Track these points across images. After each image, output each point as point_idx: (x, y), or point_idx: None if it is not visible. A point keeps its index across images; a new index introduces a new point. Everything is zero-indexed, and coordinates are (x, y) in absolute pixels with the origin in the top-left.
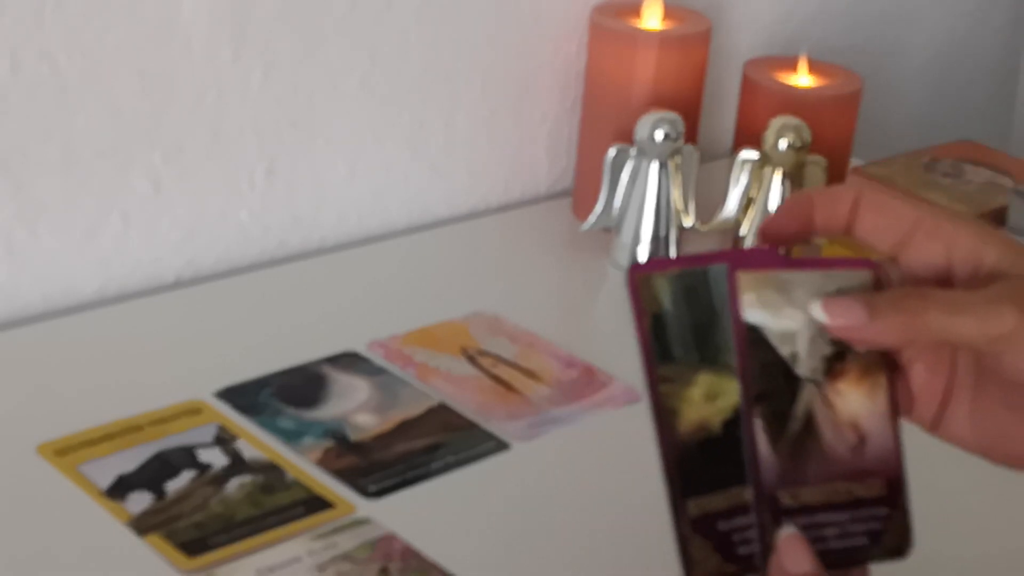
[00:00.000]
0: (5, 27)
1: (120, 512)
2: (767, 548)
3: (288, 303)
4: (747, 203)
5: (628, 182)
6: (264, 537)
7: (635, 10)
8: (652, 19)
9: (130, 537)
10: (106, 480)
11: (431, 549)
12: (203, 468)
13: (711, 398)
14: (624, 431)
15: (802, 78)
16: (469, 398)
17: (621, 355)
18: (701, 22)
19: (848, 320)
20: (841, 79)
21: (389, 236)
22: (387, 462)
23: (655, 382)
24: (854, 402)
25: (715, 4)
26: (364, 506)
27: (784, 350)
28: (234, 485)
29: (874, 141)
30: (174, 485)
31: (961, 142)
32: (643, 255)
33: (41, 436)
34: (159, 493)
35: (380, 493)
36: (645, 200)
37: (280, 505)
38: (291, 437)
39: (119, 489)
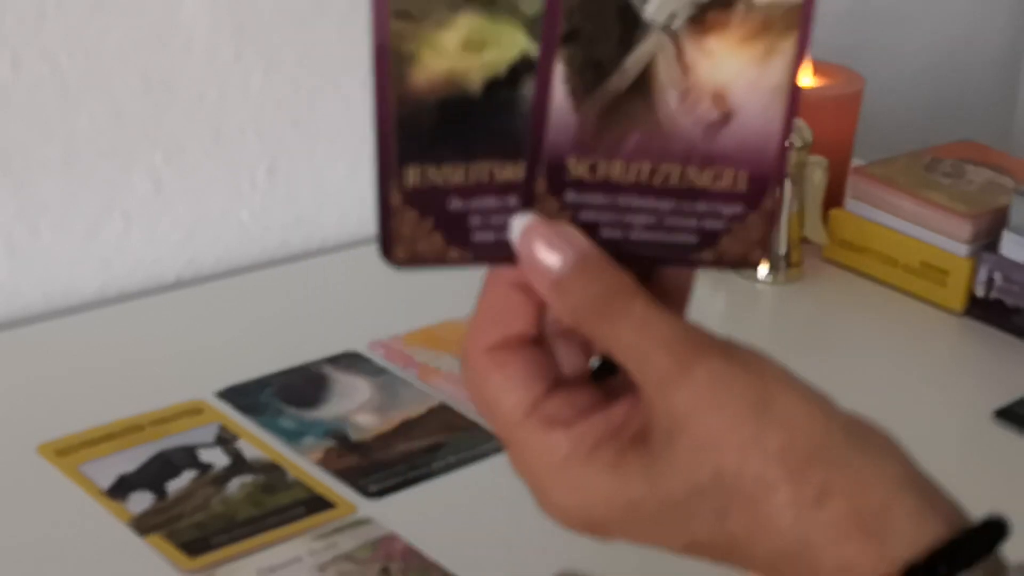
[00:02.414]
0: (7, 27)
1: (121, 512)
2: None
3: (289, 303)
4: None
5: None
6: (265, 537)
7: None
8: None
9: (131, 537)
10: (107, 480)
11: (432, 549)
12: (204, 468)
13: (474, 47)
14: None
15: (803, 78)
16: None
17: None
18: None
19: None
20: (842, 79)
21: None
22: (388, 462)
23: (384, 14)
24: (729, 67)
25: None
26: (365, 506)
27: None
28: (235, 485)
29: (875, 141)
30: (175, 485)
31: (962, 142)
32: None
33: (42, 436)
34: (160, 493)
35: (381, 493)
36: None
37: (281, 505)
38: (292, 437)
39: (120, 489)
